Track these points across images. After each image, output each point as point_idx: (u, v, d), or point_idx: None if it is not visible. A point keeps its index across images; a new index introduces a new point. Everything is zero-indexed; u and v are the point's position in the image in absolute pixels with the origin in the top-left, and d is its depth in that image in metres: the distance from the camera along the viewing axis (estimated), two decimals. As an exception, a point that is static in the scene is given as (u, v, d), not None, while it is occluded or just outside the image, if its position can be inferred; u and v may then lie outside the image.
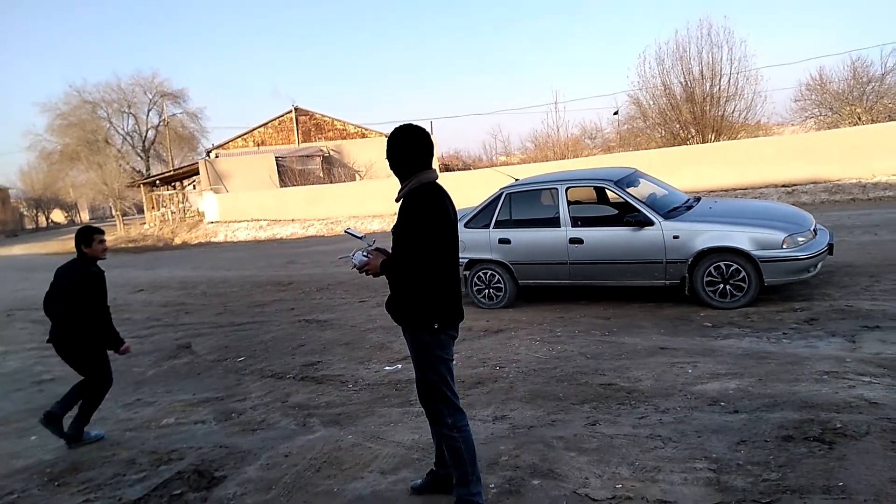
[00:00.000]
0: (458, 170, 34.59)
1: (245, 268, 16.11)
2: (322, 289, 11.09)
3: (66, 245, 35.53)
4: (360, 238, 3.45)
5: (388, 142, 3.13)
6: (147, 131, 50.74)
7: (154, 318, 10.22)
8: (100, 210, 79.45)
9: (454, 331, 3.16)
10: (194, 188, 39.35)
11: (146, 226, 37.23)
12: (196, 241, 27.22)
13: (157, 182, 39.32)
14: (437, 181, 3.12)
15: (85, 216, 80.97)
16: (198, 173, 33.98)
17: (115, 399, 6.08)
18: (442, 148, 42.09)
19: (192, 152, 51.17)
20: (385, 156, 3.16)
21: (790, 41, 69.87)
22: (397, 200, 3.10)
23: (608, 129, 33.14)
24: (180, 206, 38.44)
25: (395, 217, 3.10)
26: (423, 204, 2.96)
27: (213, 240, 26.67)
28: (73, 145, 48.53)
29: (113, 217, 51.88)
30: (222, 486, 3.92)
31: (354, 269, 3.21)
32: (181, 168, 38.21)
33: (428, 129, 3.16)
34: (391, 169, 3.15)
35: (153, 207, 39.09)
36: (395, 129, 3.11)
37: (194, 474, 4.12)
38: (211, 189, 30.41)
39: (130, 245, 30.03)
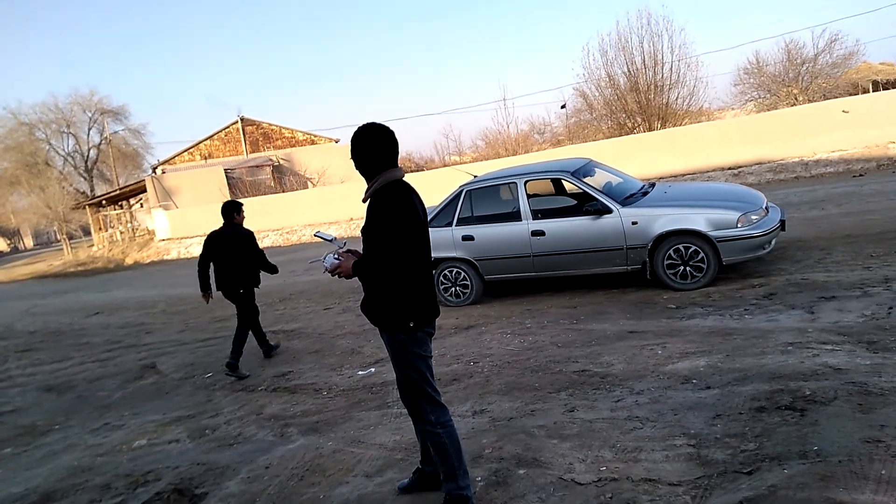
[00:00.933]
0: (411, 171, 34.56)
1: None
2: (284, 299, 10.97)
3: (9, 273, 34.39)
4: (330, 241, 3.43)
5: (352, 141, 3.10)
6: (89, 151, 49.30)
7: (114, 340, 9.95)
8: (44, 235, 76.95)
9: (431, 328, 3.16)
10: (142, 206, 38.44)
11: (94, 248, 36.23)
12: (149, 260, 26.61)
13: (103, 202, 38.27)
14: (404, 179, 3.12)
15: (29, 242, 78.33)
16: (145, 191, 33.21)
17: (81, 425, 5.93)
18: (396, 151, 41.91)
19: (137, 170, 49.96)
20: (350, 156, 3.14)
21: (727, 26, 71.87)
22: (364, 200, 3.09)
23: (556, 124, 33.56)
24: (129, 225, 37.49)
25: (361, 220, 3.09)
26: (391, 202, 2.95)
27: (165, 257, 26.11)
28: (11, 169, 46.84)
29: (59, 241, 50.27)
30: (204, 502, 3.85)
31: (326, 272, 3.19)
32: (127, 186, 37.29)
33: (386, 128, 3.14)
34: (356, 168, 3.13)
35: (101, 229, 38.04)
36: (359, 128, 3.09)
37: (174, 493, 4.03)
38: (160, 206, 29.77)
39: (80, 269, 29.16)
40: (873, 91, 27.76)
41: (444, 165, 34.36)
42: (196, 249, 25.40)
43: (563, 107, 28.56)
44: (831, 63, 26.49)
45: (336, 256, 3.20)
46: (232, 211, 6.86)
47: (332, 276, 3.19)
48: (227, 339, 8.51)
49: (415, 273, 3.03)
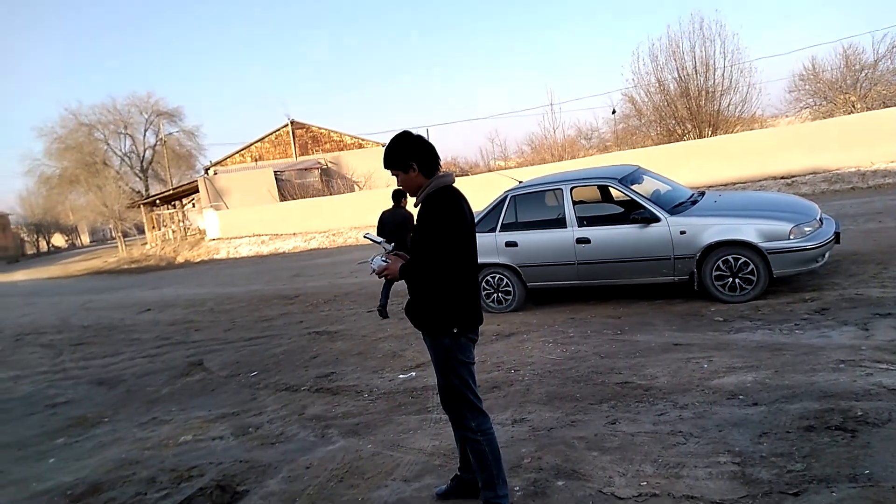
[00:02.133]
0: (457, 176, 34.57)
1: (250, 283, 16.14)
2: (329, 300, 11.11)
3: (67, 269, 35.65)
4: (379, 243, 3.46)
5: (390, 151, 3.13)
6: (144, 151, 50.89)
7: (163, 336, 10.23)
8: (100, 232, 79.58)
9: (474, 334, 3.17)
10: (194, 206, 39.41)
11: (148, 246, 37.31)
12: (199, 259, 27.26)
13: (157, 202, 39.39)
14: (454, 185, 3.14)
15: (85, 239, 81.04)
16: (197, 191, 34.04)
17: (129, 419, 6.11)
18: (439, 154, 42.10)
19: (190, 170, 51.29)
20: (386, 165, 3.17)
21: (781, 32, 70.07)
22: (415, 205, 3.12)
23: (604, 129, 33.28)
24: (181, 224, 38.50)
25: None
26: (441, 208, 2.97)
27: (215, 257, 26.71)
28: (71, 168, 48.67)
29: (114, 238, 51.95)
30: (245, 499, 3.93)
31: (374, 273, 3.23)
32: (180, 187, 38.31)
33: (425, 136, 3.18)
34: (395, 177, 3.17)
35: (154, 227, 39.16)
36: (395, 137, 3.14)
37: (217, 490, 4.12)
38: (211, 206, 30.46)
39: (133, 266, 30.09)
40: (937, 99, 26.70)
41: (489, 170, 34.40)
42: (245, 250, 25.94)
43: (613, 112, 28.26)
44: (892, 69, 25.53)
45: (384, 258, 3.23)
46: (400, 196, 8.66)
47: (380, 277, 3.23)
48: (272, 337, 8.71)
49: (461, 279, 3.04)
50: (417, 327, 3.16)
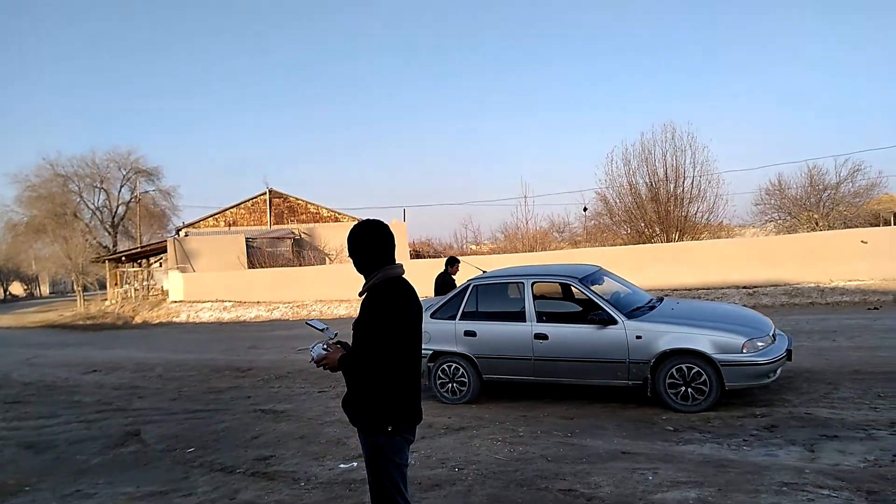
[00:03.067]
0: (429, 256, 34.83)
1: (205, 351, 15.74)
2: (281, 376, 10.83)
3: (20, 319, 34.56)
4: (321, 330, 3.39)
5: (348, 239, 3.13)
6: (117, 207, 50.36)
7: (105, 401, 9.83)
8: (61, 284, 77.62)
9: (411, 434, 3.07)
10: (161, 266, 38.87)
11: (107, 302, 36.42)
12: (158, 321, 26.62)
13: (123, 258, 38.78)
14: (403, 276, 3.12)
15: (45, 289, 79.05)
16: (166, 251, 33.67)
17: (52, 489, 5.77)
18: (413, 234, 42.47)
19: (161, 230, 50.74)
20: (347, 253, 3.16)
21: (750, 148, 73.16)
22: (361, 294, 3.08)
23: (576, 224, 33.79)
24: (144, 283, 37.81)
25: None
26: (386, 300, 2.94)
27: (175, 319, 26.12)
28: (39, 217, 47.81)
29: (74, 292, 50.67)
30: None
31: (313, 361, 3.14)
32: (149, 245, 37.88)
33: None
34: (355, 266, 3.15)
35: (117, 284, 38.36)
36: (356, 225, 3.14)
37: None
38: (177, 268, 30.06)
39: (89, 322, 29.23)
40: (895, 223, 27.84)
41: (462, 254, 34.61)
42: (206, 315, 25.42)
43: (584, 210, 28.84)
44: (853, 192, 26.71)
45: (325, 347, 3.15)
46: (450, 264, 10.24)
47: (318, 366, 3.14)
48: (217, 412, 8.42)
49: (400, 375, 2.97)
50: (352, 422, 3.06)
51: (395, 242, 3.17)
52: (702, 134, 40.81)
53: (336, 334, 3.33)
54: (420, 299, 3.23)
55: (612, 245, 23.65)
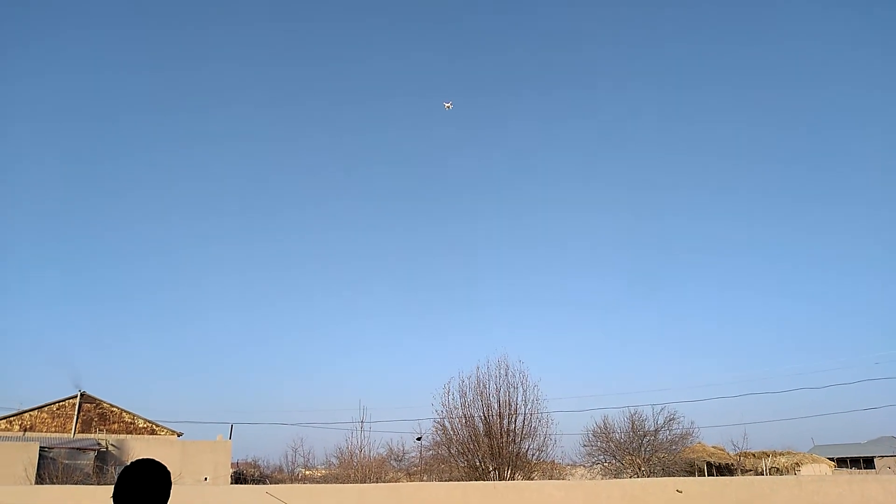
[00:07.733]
0: (254, 480, 32.21)
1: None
2: None
3: None
4: None
5: (115, 485, 2.90)
6: None
7: None
8: None
9: None
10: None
11: None
12: None
13: None
14: None
15: None
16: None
17: None
18: (239, 454, 39.56)
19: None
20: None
21: (581, 389, 77.02)
22: None
23: (414, 454, 33.04)
24: None
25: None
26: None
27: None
28: None
29: None
30: None
31: None
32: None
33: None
34: None
35: None
36: (125, 468, 2.94)
37: None
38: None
39: None
40: (708, 471, 29.65)
41: (292, 478, 32.28)
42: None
43: (418, 439, 28.42)
44: (670, 439, 28.50)
45: None
46: None
47: None
48: None
49: None
50: None
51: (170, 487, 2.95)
52: (533, 372, 42.90)
53: None
54: None
55: (448, 477, 23.13)
